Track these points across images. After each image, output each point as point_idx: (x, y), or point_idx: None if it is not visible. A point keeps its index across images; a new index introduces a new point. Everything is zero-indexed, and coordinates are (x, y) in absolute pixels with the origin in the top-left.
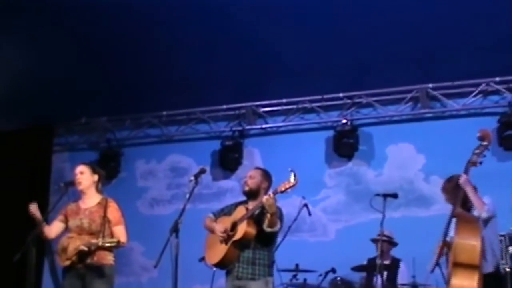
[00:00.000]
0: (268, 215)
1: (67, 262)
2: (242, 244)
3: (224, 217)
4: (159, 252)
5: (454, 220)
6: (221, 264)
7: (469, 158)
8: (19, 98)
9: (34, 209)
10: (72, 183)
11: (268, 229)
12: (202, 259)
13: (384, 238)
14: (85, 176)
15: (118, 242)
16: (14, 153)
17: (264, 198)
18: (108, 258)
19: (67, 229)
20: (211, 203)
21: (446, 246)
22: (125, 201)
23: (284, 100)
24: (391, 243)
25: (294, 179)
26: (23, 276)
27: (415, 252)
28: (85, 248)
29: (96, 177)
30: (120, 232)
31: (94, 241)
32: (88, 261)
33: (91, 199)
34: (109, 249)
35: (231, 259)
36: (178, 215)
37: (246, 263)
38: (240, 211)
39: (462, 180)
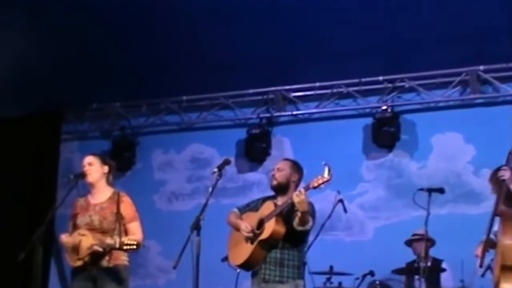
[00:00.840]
0: (299, 213)
1: (79, 263)
2: (270, 243)
3: (250, 213)
4: (178, 252)
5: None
6: (246, 265)
7: (510, 149)
8: (24, 81)
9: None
10: (82, 175)
11: (299, 228)
12: (225, 259)
13: (417, 237)
14: (94, 168)
15: (138, 244)
16: (17, 142)
17: (294, 194)
18: (122, 259)
19: (75, 227)
20: (235, 198)
21: (489, 246)
22: (141, 196)
23: (317, 84)
24: (429, 240)
25: (329, 174)
26: (28, 277)
27: (464, 254)
28: (100, 249)
29: (106, 168)
30: (135, 230)
31: (110, 241)
32: (102, 262)
33: (101, 193)
34: (117, 249)
35: (257, 259)
36: (200, 211)
37: (274, 264)
38: (268, 207)
39: (503, 174)
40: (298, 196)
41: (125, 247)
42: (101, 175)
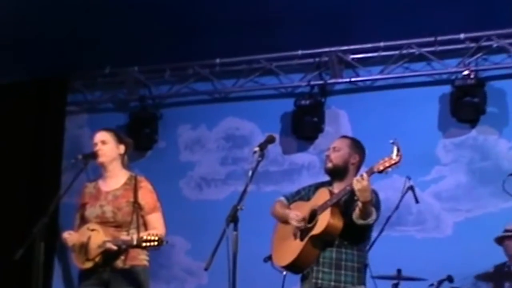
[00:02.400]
0: (360, 203)
1: (88, 264)
2: (324, 240)
3: (300, 203)
4: (210, 250)
5: None
6: (294, 267)
7: None
8: (24, 41)
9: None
10: (93, 156)
11: (360, 221)
12: (269, 258)
13: (510, 234)
14: (108, 147)
15: (161, 241)
16: (14, 115)
17: (355, 180)
18: (141, 258)
19: (83, 220)
20: (281, 184)
21: None
22: (164, 181)
23: (381, 44)
24: None
25: (397, 155)
26: (27, 279)
27: None
28: (114, 247)
29: (122, 148)
30: (156, 223)
31: (125, 237)
32: (116, 263)
33: (115, 178)
34: (135, 247)
35: (308, 260)
36: (237, 200)
37: (328, 266)
38: (322, 196)
39: None
40: (359, 183)
41: (144, 244)
42: (115, 156)
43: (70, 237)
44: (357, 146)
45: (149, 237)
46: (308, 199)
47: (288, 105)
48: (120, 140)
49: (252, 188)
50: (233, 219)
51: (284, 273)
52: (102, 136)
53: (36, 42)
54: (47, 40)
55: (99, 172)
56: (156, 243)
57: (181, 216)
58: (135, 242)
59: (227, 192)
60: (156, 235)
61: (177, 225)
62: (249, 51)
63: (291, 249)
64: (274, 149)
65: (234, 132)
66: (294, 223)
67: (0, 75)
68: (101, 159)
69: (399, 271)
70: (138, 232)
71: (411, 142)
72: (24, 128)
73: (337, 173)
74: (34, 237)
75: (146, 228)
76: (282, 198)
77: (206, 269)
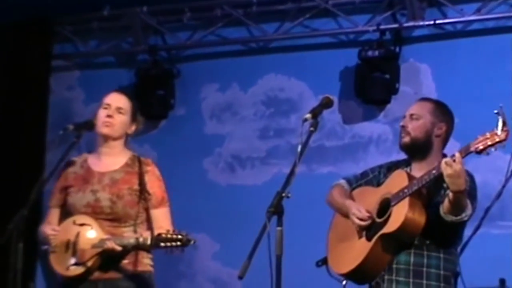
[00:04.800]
0: (450, 193)
1: (77, 271)
2: (399, 240)
3: (367, 189)
4: (246, 253)
5: None
6: (359, 275)
7: None
8: None
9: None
10: (88, 125)
11: (450, 218)
12: (323, 262)
13: None
14: (123, 119)
15: (187, 240)
16: None
17: (444, 163)
18: (145, 262)
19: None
20: (340, 163)
21: None
22: (184, 161)
23: None
24: None
25: (504, 130)
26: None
27: None
28: (118, 248)
29: (133, 128)
30: (163, 220)
31: (134, 235)
32: (116, 268)
33: (114, 156)
34: (147, 248)
35: (376, 266)
36: (282, 186)
37: (405, 274)
38: (397, 180)
39: None
40: (449, 166)
41: (163, 245)
42: (123, 134)
43: (54, 233)
44: (443, 112)
45: (169, 235)
46: (378, 184)
47: (350, 57)
48: (134, 118)
49: (301, 169)
50: (277, 210)
51: (344, 282)
52: (121, 102)
53: None
54: None
55: (90, 146)
56: (179, 243)
57: (206, 207)
58: (149, 242)
59: (268, 175)
60: (179, 233)
61: (201, 220)
62: None
63: (355, 251)
64: (332, 116)
65: (277, 94)
66: (356, 221)
67: None
68: (106, 130)
69: (502, 281)
70: (152, 228)
71: None
72: None
73: (417, 149)
74: (10, 236)
75: (148, 226)
76: (343, 182)
77: (240, 278)
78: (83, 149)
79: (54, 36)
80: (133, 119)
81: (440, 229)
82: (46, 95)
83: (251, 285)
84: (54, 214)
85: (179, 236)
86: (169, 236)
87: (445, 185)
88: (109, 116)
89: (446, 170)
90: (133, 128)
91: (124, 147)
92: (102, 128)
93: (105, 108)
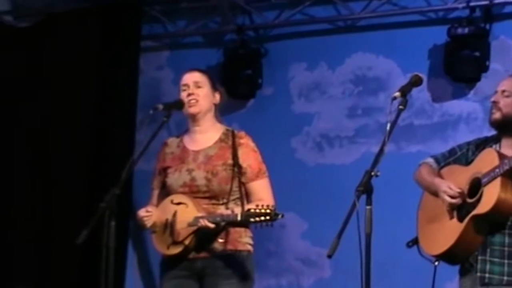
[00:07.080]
0: None
1: (176, 250)
2: (492, 221)
3: (456, 167)
4: (334, 232)
5: None
6: (451, 256)
7: None
8: None
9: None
10: (178, 105)
11: None
12: (414, 242)
13: None
14: (203, 92)
15: (274, 214)
16: (72, 54)
17: None
18: (244, 241)
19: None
20: (429, 142)
21: None
22: (272, 140)
23: None
24: None
25: None
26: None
27: None
28: (211, 225)
29: (217, 96)
30: (262, 192)
31: (225, 211)
32: (213, 247)
33: (206, 133)
34: (246, 225)
35: (469, 247)
36: (371, 164)
37: (499, 255)
38: (488, 159)
39: None
40: None
41: (252, 220)
42: (210, 106)
43: (148, 215)
44: None
45: (258, 210)
46: (467, 162)
47: (439, 35)
48: (215, 87)
49: (390, 147)
50: (366, 189)
51: (436, 263)
52: (195, 77)
53: None
54: None
55: (184, 127)
56: (268, 217)
57: (295, 186)
58: (239, 218)
59: (356, 154)
60: (268, 206)
61: (289, 199)
62: None
63: (446, 232)
64: (421, 95)
65: (365, 73)
66: (447, 198)
67: (53, 1)
68: (193, 109)
69: None
70: (243, 204)
71: None
72: (86, 70)
73: (508, 125)
74: (102, 215)
75: (248, 200)
76: (430, 161)
77: (329, 257)
78: (172, 129)
79: (143, 16)
80: (214, 89)
81: None
82: (136, 75)
83: (340, 264)
84: (155, 195)
85: (268, 211)
86: (257, 211)
87: None
88: (190, 94)
89: None
90: (217, 97)
91: (215, 121)
92: (188, 109)
93: (184, 90)
